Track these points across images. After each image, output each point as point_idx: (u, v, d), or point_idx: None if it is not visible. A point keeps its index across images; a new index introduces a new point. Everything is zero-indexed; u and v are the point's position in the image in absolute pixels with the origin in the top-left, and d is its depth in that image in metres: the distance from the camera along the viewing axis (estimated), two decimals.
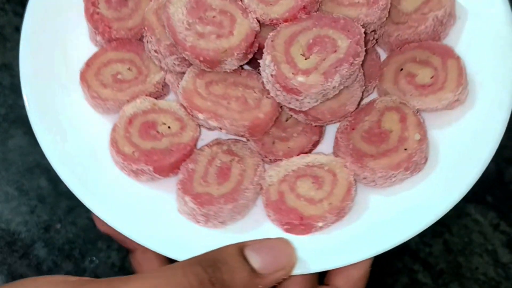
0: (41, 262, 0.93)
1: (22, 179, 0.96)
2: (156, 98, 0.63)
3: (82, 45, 0.65)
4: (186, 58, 0.59)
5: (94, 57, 0.64)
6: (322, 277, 0.64)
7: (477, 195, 0.95)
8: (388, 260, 0.91)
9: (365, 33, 0.59)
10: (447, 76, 0.61)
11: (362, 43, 0.57)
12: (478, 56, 0.63)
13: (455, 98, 0.61)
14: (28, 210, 0.95)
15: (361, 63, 0.57)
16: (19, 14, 1.02)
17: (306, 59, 0.57)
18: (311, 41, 0.57)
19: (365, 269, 0.60)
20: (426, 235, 0.92)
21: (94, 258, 0.92)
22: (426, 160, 0.60)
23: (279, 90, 0.57)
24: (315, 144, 0.62)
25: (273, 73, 0.56)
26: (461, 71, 0.61)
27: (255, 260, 0.53)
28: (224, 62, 0.58)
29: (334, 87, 0.56)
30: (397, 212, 0.59)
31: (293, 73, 0.56)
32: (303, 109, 0.58)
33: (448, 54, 0.62)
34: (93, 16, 0.64)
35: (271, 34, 0.58)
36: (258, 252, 0.53)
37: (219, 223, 0.59)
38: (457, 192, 0.58)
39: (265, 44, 0.58)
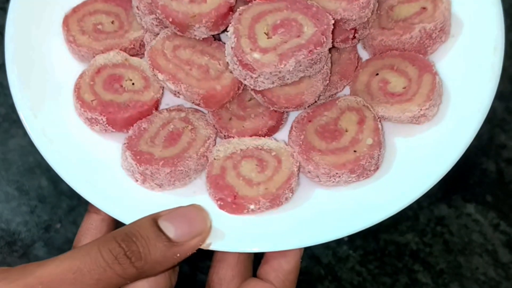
0: None
1: (22, 179, 0.97)
2: (131, 55, 0.63)
3: None
4: (159, 18, 0.59)
5: (83, 4, 0.65)
6: (254, 270, 0.63)
7: (477, 195, 0.95)
8: (388, 260, 0.91)
9: (342, 29, 0.58)
10: (419, 90, 0.60)
11: (329, 34, 0.56)
12: (458, 78, 0.61)
13: (420, 112, 0.59)
14: (28, 210, 0.96)
15: (325, 54, 0.56)
16: None
17: (268, 38, 0.56)
18: (278, 22, 0.57)
19: (295, 262, 0.59)
20: (426, 235, 0.93)
21: None
22: (377, 168, 0.59)
23: (236, 64, 0.56)
24: (271, 129, 0.61)
25: (233, 45, 0.56)
26: (433, 88, 0.59)
27: (170, 229, 0.53)
28: (193, 27, 0.58)
29: (289, 72, 0.55)
30: (333, 211, 0.58)
31: (250, 49, 0.56)
32: (258, 89, 0.57)
33: (427, 68, 0.60)
34: None
35: (241, 8, 0.57)
36: (171, 221, 0.53)
37: (156, 185, 0.59)
38: (396, 205, 0.57)
39: (233, 17, 0.57)
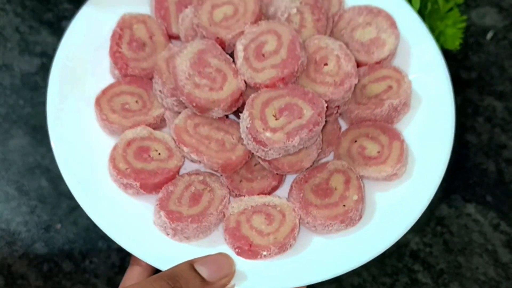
0: (41, 262, 0.93)
1: (22, 179, 0.95)
2: (154, 129, 0.77)
3: (105, 77, 0.79)
4: (183, 101, 0.73)
5: (110, 87, 0.77)
6: None
7: (477, 195, 0.96)
8: (388, 260, 0.92)
9: (328, 107, 0.72)
10: (390, 154, 0.75)
11: (323, 115, 0.70)
12: (420, 142, 0.77)
13: (393, 172, 0.74)
14: (28, 210, 0.95)
15: (320, 130, 0.71)
16: (20, 15, 1.03)
17: (276, 119, 0.70)
18: (283, 106, 0.71)
19: None
20: (426, 235, 0.93)
21: (94, 258, 0.93)
22: (361, 217, 0.73)
23: (250, 140, 0.70)
24: (274, 188, 0.75)
25: (248, 125, 0.70)
26: (402, 153, 0.74)
27: (204, 271, 0.67)
28: (212, 110, 0.72)
29: (294, 146, 0.69)
30: (328, 254, 0.72)
31: (263, 129, 0.69)
32: (267, 159, 0.71)
33: (395, 136, 0.75)
34: (115, 53, 0.77)
35: (252, 95, 0.71)
36: (205, 265, 0.67)
37: (184, 238, 0.72)
38: (380, 246, 0.71)
39: (247, 102, 0.71)
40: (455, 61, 1.04)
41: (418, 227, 0.92)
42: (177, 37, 0.81)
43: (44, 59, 0.99)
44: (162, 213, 0.71)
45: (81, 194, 0.73)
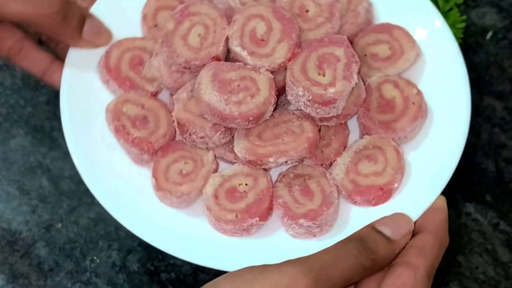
0: (42, 261, 0.93)
1: (23, 178, 0.96)
2: (215, 170, 0.74)
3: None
4: (235, 126, 0.71)
5: (157, 164, 0.74)
6: None
7: (477, 194, 0.96)
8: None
9: None
10: (401, 42, 0.78)
11: (350, 45, 0.73)
12: (436, 92, 0.78)
13: (417, 52, 0.78)
14: (29, 210, 0.95)
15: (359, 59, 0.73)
16: None
17: (324, 76, 0.71)
18: (317, 62, 0.72)
19: (445, 211, 0.76)
20: None
21: (95, 257, 0.93)
22: (427, 107, 0.76)
23: (319, 108, 0.71)
24: (348, 136, 0.77)
25: (310, 98, 0.70)
26: (408, 35, 0.78)
27: (387, 231, 0.68)
28: (265, 112, 0.71)
29: (356, 84, 0.71)
30: (432, 160, 0.76)
31: (324, 89, 0.70)
32: (339, 112, 0.72)
33: (390, 28, 0.79)
34: (134, 141, 0.73)
35: (287, 74, 0.71)
36: (386, 225, 0.68)
37: (329, 227, 0.72)
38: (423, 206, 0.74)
39: (287, 82, 0.71)
40: None
41: None
42: (156, 93, 0.78)
43: None
44: (301, 221, 0.71)
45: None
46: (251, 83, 0.71)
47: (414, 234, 0.71)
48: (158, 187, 0.72)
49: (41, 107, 0.99)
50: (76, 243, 0.94)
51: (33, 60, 0.80)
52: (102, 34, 0.78)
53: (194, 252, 0.71)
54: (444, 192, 0.88)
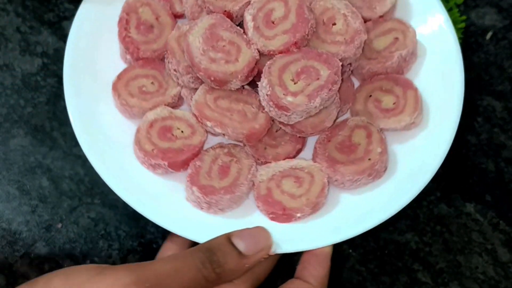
0: (42, 261, 0.93)
1: (23, 179, 0.95)
2: (172, 107, 0.78)
3: (115, 62, 0.80)
4: (200, 77, 0.74)
5: (124, 72, 0.78)
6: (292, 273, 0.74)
7: (477, 194, 0.95)
8: (388, 259, 0.92)
9: (342, 65, 0.74)
10: (406, 103, 0.77)
11: (339, 73, 0.72)
12: (432, 88, 0.79)
13: (411, 121, 0.76)
14: (29, 210, 0.94)
15: (337, 89, 0.73)
16: (21, 15, 1.03)
17: (295, 83, 0.72)
18: (299, 69, 0.72)
19: (328, 266, 0.74)
20: (426, 234, 0.93)
21: (95, 257, 0.92)
22: (386, 169, 0.75)
23: (272, 107, 0.72)
24: (298, 151, 0.77)
25: (268, 93, 0.71)
26: (417, 100, 0.76)
27: (241, 245, 0.68)
28: (230, 82, 0.73)
29: (315, 107, 0.71)
30: (360, 209, 0.74)
31: (284, 94, 0.71)
32: (290, 123, 0.73)
33: (408, 86, 0.77)
34: (125, 38, 0.78)
35: (268, 62, 0.72)
36: (242, 238, 0.68)
37: (219, 210, 0.74)
38: (408, 196, 0.73)
39: (263, 70, 0.73)
40: None
41: (418, 227, 0.94)
42: (181, 15, 0.81)
43: (45, 59, 0.99)
44: (194, 188, 0.73)
45: (112, 180, 0.74)
46: (235, 51, 0.73)
47: (295, 276, 0.73)
48: (114, 87, 0.77)
49: (41, 107, 0.99)
50: (76, 243, 0.94)
51: None
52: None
53: (166, 219, 0.74)
54: (444, 192, 0.94)
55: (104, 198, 0.93)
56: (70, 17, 1.00)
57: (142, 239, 0.92)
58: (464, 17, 0.97)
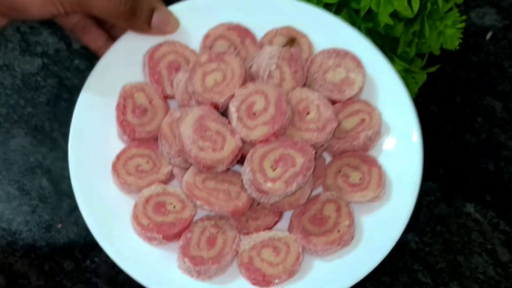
0: (42, 261, 0.94)
1: (23, 179, 0.96)
2: (165, 183, 0.88)
3: (114, 142, 0.90)
4: (190, 162, 0.84)
5: (122, 152, 0.88)
6: None
7: (477, 194, 0.97)
8: (388, 259, 0.89)
9: (315, 148, 0.85)
10: (371, 180, 0.87)
11: (313, 160, 0.82)
12: (394, 164, 0.89)
13: (375, 195, 0.86)
14: (29, 210, 0.95)
15: (311, 174, 0.83)
16: None
17: (273, 170, 0.82)
18: (277, 157, 0.82)
19: None
20: (426, 234, 0.94)
21: (95, 258, 0.95)
22: (353, 238, 0.86)
23: (254, 190, 0.82)
24: (276, 223, 0.87)
25: (251, 179, 0.82)
26: (381, 177, 0.87)
27: None
28: (217, 167, 0.83)
29: (291, 191, 0.82)
30: (332, 274, 0.85)
31: (264, 180, 0.81)
32: (269, 203, 0.84)
33: (373, 164, 0.88)
34: (122, 122, 0.87)
35: (251, 151, 0.82)
36: None
37: (207, 278, 0.84)
38: (373, 262, 0.84)
39: (246, 158, 0.83)
40: (454, 61, 1.06)
41: (418, 227, 0.96)
42: (172, 97, 0.91)
43: (45, 59, 1.02)
44: (186, 259, 0.83)
45: (111, 249, 0.84)
46: (221, 141, 0.83)
47: None
48: (114, 167, 0.87)
49: (41, 108, 1.00)
50: (76, 243, 0.95)
51: (93, 36, 0.91)
52: (169, 23, 0.89)
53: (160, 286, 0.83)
54: (444, 192, 0.97)
55: None
56: None
57: None
58: (464, 17, 0.96)
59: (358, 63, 0.90)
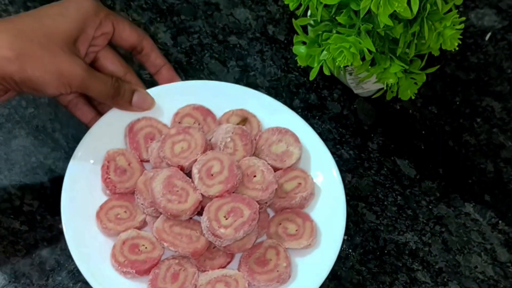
0: (44, 261, 0.95)
1: (25, 179, 0.97)
2: (139, 229, 1.08)
3: (98, 195, 1.11)
4: (160, 211, 1.05)
5: (105, 203, 1.08)
6: None
7: (476, 194, 0.97)
8: (388, 259, 0.95)
9: (260, 204, 1.06)
10: (305, 231, 1.08)
11: (257, 212, 1.03)
12: (323, 219, 1.10)
13: (308, 243, 1.06)
14: (30, 210, 0.96)
15: (256, 223, 1.05)
16: None
17: (226, 219, 1.03)
18: (229, 209, 1.03)
19: None
20: (425, 234, 0.94)
21: None
22: (290, 276, 1.06)
23: (210, 235, 1.02)
24: (228, 262, 1.07)
25: (208, 225, 1.02)
26: (312, 229, 1.08)
27: None
28: (181, 216, 1.04)
29: (239, 236, 1.03)
30: None
31: (218, 227, 1.02)
32: (222, 245, 1.05)
33: (306, 218, 1.09)
34: (106, 180, 1.08)
35: (208, 204, 1.03)
36: None
37: None
38: None
39: (205, 209, 1.04)
40: (453, 62, 1.08)
41: (417, 226, 0.97)
42: (147, 161, 1.13)
43: None
44: None
45: (92, 279, 1.03)
46: (185, 195, 1.05)
47: None
48: (98, 215, 1.07)
49: (43, 108, 1.01)
50: None
51: (84, 112, 1.04)
52: (147, 102, 1.06)
53: None
54: (444, 192, 0.99)
55: None
56: None
57: None
58: (463, 18, 0.96)
59: (296, 139, 1.13)
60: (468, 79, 1.00)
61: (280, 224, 1.10)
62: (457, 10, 0.94)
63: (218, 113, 1.15)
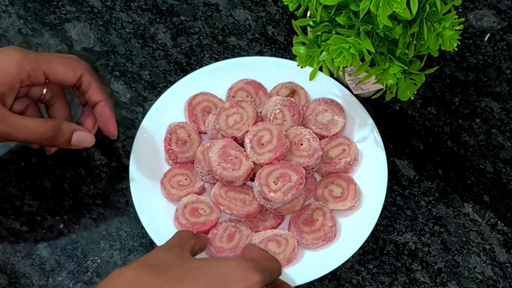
0: (44, 262, 0.94)
1: (25, 179, 0.97)
2: (198, 195, 1.20)
3: (162, 165, 1.23)
4: (216, 178, 1.17)
5: (168, 171, 1.19)
6: None
7: (475, 195, 0.96)
8: (387, 259, 0.96)
9: (307, 170, 1.17)
10: (349, 193, 1.17)
11: (304, 178, 1.13)
12: (366, 182, 1.19)
13: (352, 205, 1.16)
14: (30, 210, 0.96)
15: (303, 187, 1.15)
16: (22, 17, 1.03)
17: (275, 184, 1.14)
18: (278, 175, 1.14)
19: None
20: (425, 234, 0.95)
21: (96, 257, 0.96)
22: (335, 235, 1.16)
23: (261, 199, 1.13)
24: (279, 224, 1.17)
25: (259, 190, 1.13)
26: (356, 191, 1.18)
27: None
28: (235, 182, 1.15)
29: (288, 199, 1.14)
30: (318, 261, 1.16)
31: (268, 191, 1.13)
32: (273, 208, 1.16)
33: (350, 181, 1.18)
34: (168, 150, 1.20)
35: (259, 170, 1.14)
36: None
37: None
38: (349, 252, 1.12)
39: (256, 174, 1.15)
40: (452, 63, 1.08)
41: (416, 227, 0.99)
42: (204, 132, 1.24)
43: None
44: (211, 248, 1.15)
45: (157, 240, 1.15)
46: (238, 162, 1.16)
47: None
48: (162, 182, 1.20)
49: (42, 108, 1.01)
50: (77, 244, 0.95)
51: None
52: (86, 141, 1.01)
53: None
54: (443, 193, 1.00)
55: (105, 199, 1.03)
56: (71, 19, 1.07)
57: (143, 239, 1.06)
58: (462, 19, 0.95)
59: (340, 109, 1.23)
60: (467, 80, 0.99)
61: (326, 187, 1.20)
62: (456, 11, 0.94)
63: (269, 86, 1.24)
